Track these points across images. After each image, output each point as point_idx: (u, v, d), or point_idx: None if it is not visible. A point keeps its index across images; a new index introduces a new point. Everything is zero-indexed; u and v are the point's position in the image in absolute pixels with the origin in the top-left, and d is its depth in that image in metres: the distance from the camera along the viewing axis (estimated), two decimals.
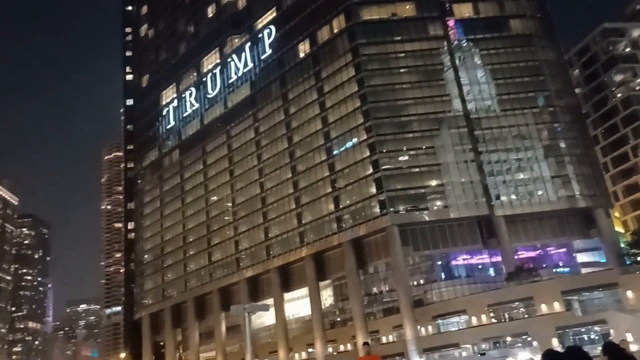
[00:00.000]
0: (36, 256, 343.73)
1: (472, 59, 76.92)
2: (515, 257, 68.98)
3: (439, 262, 72.82)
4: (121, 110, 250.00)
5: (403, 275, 67.82)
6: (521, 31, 79.30)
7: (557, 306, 59.20)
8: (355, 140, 74.55)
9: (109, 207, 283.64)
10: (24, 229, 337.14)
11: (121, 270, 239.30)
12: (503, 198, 70.30)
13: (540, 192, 70.98)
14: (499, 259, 70.42)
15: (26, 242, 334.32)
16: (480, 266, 72.28)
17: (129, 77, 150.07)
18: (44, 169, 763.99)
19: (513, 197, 70.61)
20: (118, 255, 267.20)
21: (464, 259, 73.24)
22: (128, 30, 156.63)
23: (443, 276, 71.98)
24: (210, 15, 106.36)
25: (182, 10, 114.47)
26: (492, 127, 73.43)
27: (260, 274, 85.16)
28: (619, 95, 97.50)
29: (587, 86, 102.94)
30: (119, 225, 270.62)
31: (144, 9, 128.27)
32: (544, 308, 59.96)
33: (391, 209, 69.13)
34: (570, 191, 71.11)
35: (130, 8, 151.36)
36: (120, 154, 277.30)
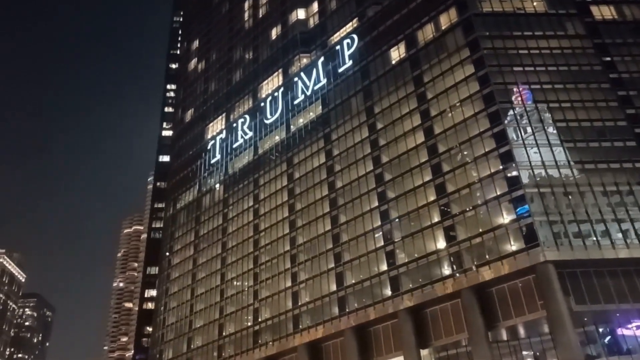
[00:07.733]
0: (35, 340, 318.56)
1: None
2: None
3: (600, 329, 49.63)
4: (150, 178, 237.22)
5: (571, 339, 44.40)
6: None
7: None
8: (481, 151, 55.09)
9: (121, 284, 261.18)
10: (27, 310, 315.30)
11: (127, 355, 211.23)
12: None
13: None
14: None
15: (27, 323, 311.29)
16: None
17: (166, 132, 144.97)
18: (57, 244, 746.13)
19: None
20: (124, 339, 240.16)
21: (637, 327, 49.93)
22: (170, 87, 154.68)
23: (606, 350, 48.35)
24: (274, 37, 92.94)
25: (240, 37, 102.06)
26: None
27: (328, 337, 61.90)
28: None
29: None
30: (130, 304, 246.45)
31: (195, 44, 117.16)
32: None
33: (545, 240, 47.62)
34: None
35: (174, 66, 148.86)
36: (140, 227, 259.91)
